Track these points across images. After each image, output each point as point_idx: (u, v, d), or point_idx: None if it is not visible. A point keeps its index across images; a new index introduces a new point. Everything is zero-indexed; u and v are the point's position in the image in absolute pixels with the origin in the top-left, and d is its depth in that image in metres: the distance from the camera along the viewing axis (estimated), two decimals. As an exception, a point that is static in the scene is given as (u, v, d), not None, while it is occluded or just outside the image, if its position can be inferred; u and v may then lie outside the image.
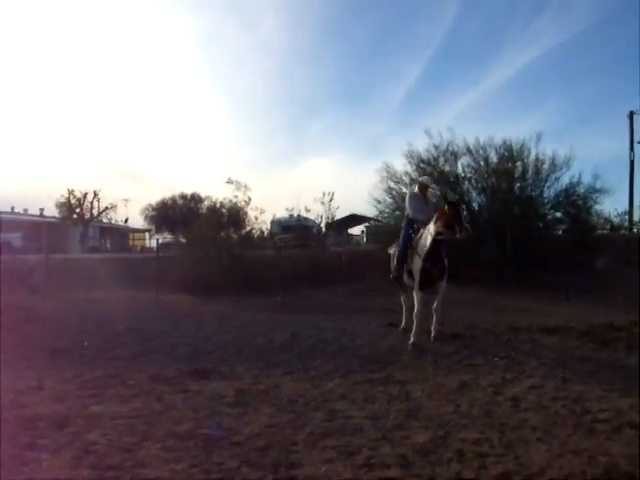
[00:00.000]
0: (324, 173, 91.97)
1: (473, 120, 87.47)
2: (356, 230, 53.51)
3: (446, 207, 11.79)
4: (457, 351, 11.52)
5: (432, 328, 12.52)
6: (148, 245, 64.56)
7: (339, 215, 34.77)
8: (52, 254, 30.62)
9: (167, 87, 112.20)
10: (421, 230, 12.56)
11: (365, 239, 47.74)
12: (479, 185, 28.63)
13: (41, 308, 18.63)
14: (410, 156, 28.72)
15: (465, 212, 27.98)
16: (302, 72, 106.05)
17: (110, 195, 62.78)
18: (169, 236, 58.46)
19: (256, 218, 30.88)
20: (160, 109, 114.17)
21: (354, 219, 46.54)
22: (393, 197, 28.70)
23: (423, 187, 13.83)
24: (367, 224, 45.81)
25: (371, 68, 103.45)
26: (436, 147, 28.37)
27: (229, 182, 29.93)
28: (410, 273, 12.76)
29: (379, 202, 29.19)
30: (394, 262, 13.59)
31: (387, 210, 29.32)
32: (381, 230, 32.40)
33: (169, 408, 7.91)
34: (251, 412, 7.60)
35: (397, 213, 28.64)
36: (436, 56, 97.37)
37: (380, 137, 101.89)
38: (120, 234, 72.64)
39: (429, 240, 11.96)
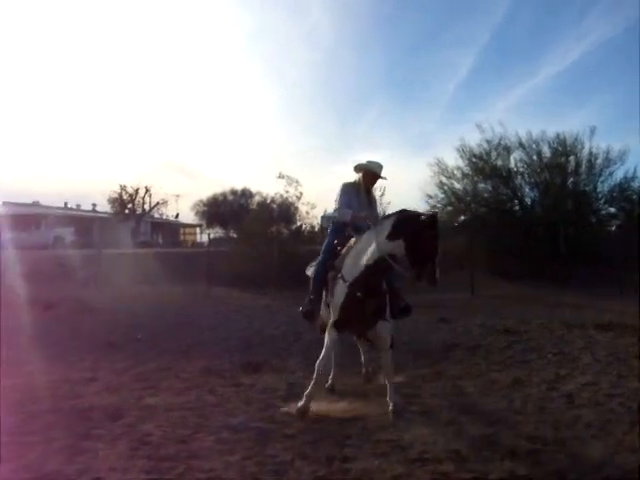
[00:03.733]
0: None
1: (526, 114, 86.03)
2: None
3: (422, 224, 7.02)
4: (509, 346, 11.46)
5: (388, 398, 7.61)
6: (199, 240, 64.95)
7: (390, 210, 34.61)
8: (104, 249, 30.98)
9: (217, 82, 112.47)
10: (352, 240, 7.95)
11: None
12: (532, 180, 28.39)
13: (94, 301, 18.88)
14: (462, 151, 28.64)
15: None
16: (351, 64, 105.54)
17: (161, 191, 63.14)
18: (220, 231, 58.82)
19: (307, 213, 30.83)
20: (210, 104, 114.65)
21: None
22: (445, 192, 28.60)
23: (370, 177, 8.35)
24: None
25: (421, 61, 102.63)
26: (488, 141, 28.24)
27: (280, 177, 29.88)
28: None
29: (430, 197, 29.04)
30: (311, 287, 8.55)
31: (439, 205, 29.11)
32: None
33: (222, 401, 8.00)
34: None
35: (449, 209, 28.56)
36: (487, 49, 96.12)
37: (430, 131, 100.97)
38: (171, 229, 73.10)
39: (367, 259, 7.38)
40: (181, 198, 65.58)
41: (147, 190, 61.18)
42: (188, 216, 68.54)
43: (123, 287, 23.80)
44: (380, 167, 8.34)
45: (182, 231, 75.75)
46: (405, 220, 7.30)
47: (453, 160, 29.02)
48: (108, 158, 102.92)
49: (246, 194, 63.01)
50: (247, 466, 5.70)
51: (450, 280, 22.27)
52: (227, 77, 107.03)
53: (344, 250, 7.91)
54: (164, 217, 67.51)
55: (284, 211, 32.13)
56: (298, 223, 31.67)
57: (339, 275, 7.64)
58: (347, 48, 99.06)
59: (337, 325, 7.56)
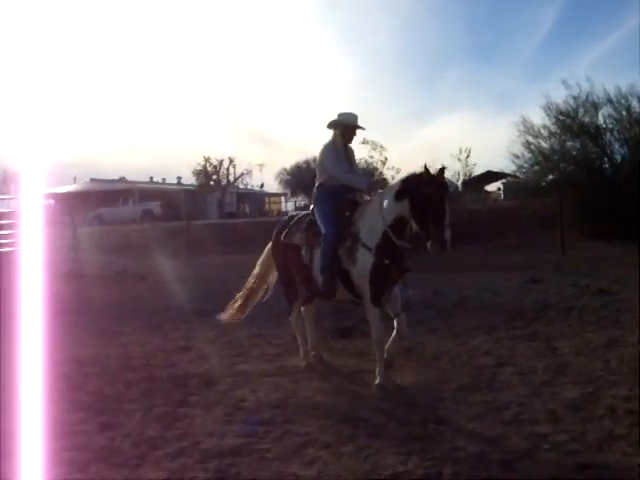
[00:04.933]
0: (458, 129, 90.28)
1: (613, 67, 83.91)
2: (492, 187, 52.74)
3: (426, 181, 6.89)
4: (604, 307, 11.16)
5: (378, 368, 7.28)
6: (284, 209, 65.21)
7: (475, 172, 34.20)
8: (191, 221, 31.42)
9: (296, 50, 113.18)
10: (362, 205, 7.67)
11: (503, 196, 47.08)
12: (621, 136, 27.47)
13: (184, 271, 19.17)
14: (548, 108, 27.96)
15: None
16: (430, 27, 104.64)
17: (245, 161, 63.30)
18: (305, 199, 59.00)
19: (392, 178, 30.81)
20: (290, 74, 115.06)
21: (490, 176, 45.73)
22: (532, 152, 27.99)
23: (350, 132, 7.88)
24: (504, 180, 45.03)
25: (502, 19, 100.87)
26: (575, 98, 27.41)
27: (364, 142, 29.89)
28: (346, 278, 7.43)
29: (517, 157, 28.53)
30: (313, 259, 7.69)
31: (526, 165, 28.64)
32: (520, 186, 31.89)
33: (314, 366, 8.06)
34: (396, 369, 7.62)
35: (536, 168, 28.05)
36: (570, 3, 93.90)
37: (514, 90, 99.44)
38: (256, 199, 73.39)
39: (383, 223, 7.16)
40: (265, 167, 65.65)
41: (231, 161, 61.24)
42: (272, 185, 69.01)
43: (211, 257, 24.12)
44: (356, 117, 7.79)
45: (267, 200, 76.18)
46: (411, 178, 7.19)
47: (539, 118, 28.47)
48: (191, 131, 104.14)
49: (330, 161, 62.96)
50: (342, 429, 5.75)
51: (539, 240, 22.00)
52: (306, 45, 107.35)
53: (356, 216, 7.48)
54: (249, 187, 67.82)
55: (368, 177, 32.08)
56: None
57: (360, 243, 7.23)
58: (427, 12, 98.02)
59: (375, 298, 7.21)
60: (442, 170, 7.09)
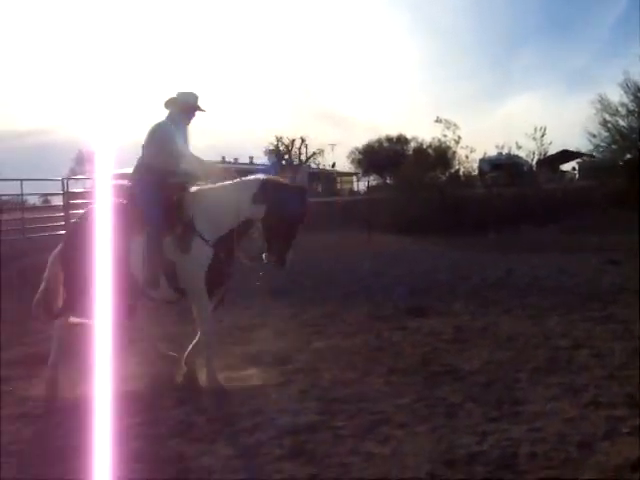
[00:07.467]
0: (533, 108, 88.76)
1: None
2: (567, 166, 51.89)
3: (288, 194, 6.66)
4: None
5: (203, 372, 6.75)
6: (355, 188, 65.13)
7: (550, 151, 33.69)
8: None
9: (369, 31, 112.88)
10: (200, 193, 6.99)
11: (578, 175, 46.34)
12: None
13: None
14: (626, 85, 27.41)
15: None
16: (502, 6, 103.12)
17: (317, 141, 63.37)
18: (377, 178, 58.89)
19: (466, 157, 30.59)
20: (363, 53, 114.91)
21: (566, 155, 44.96)
22: (609, 130, 27.52)
23: (188, 112, 7.22)
24: (580, 160, 44.28)
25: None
26: (655, 74, 26.85)
27: (438, 121, 29.71)
28: (170, 272, 6.74)
29: (594, 136, 28.09)
30: (131, 251, 6.78)
31: (603, 144, 28.16)
32: (596, 165, 31.36)
33: (389, 344, 8.08)
34: (471, 348, 7.62)
35: (614, 147, 27.53)
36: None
37: (590, 67, 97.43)
38: (328, 178, 73.25)
39: (231, 220, 6.67)
40: (336, 147, 65.67)
41: (303, 141, 61.54)
42: (344, 165, 68.92)
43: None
44: (197, 98, 7.18)
45: (339, 180, 76.18)
46: (273, 184, 6.76)
47: (617, 96, 27.95)
48: (263, 110, 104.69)
49: (402, 140, 62.76)
50: (417, 409, 5.75)
51: (616, 221, 21.60)
52: (378, 26, 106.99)
53: (188, 202, 6.82)
54: (321, 167, 67.87)
55: (440, 156, 31.84)
56: (455, 167, 31.44)
57: (196, 234, 6.62)
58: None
59: (210, 291, 6.77)
60: (304, 188, 6.96)
